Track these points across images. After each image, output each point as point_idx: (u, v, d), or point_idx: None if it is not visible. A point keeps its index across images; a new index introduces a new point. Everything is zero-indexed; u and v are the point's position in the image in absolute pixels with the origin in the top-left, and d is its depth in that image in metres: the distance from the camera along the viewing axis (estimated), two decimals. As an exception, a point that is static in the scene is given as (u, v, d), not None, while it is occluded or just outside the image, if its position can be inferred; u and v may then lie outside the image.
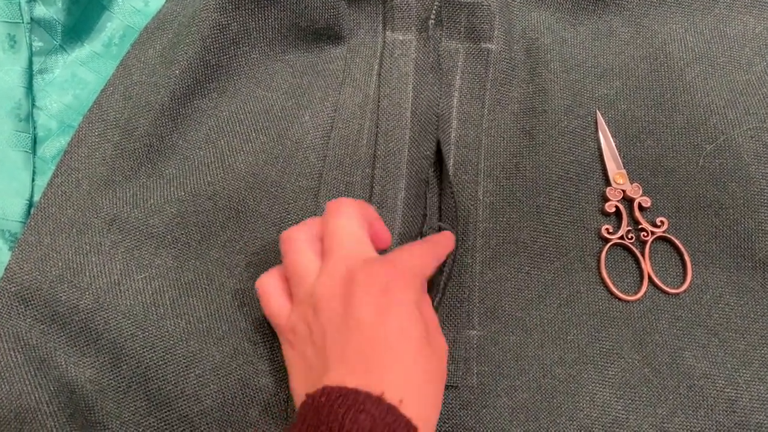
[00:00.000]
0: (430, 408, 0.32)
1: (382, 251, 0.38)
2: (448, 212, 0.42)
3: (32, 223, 0.40)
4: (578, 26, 0.48)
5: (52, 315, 0.38)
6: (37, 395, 0.36)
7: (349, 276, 0.33)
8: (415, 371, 0.31)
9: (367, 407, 0.28)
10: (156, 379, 0.38)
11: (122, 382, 0.38)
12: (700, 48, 0.47)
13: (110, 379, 0.38)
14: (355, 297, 0.32)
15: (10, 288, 0.39)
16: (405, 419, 0.28)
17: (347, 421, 0.27)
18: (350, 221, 0.36)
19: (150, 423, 0.37)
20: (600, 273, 0.41)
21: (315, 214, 0.42)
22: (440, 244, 0.38)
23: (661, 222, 0.42)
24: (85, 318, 0.38)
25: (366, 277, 0.32)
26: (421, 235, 0.42)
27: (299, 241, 0.36)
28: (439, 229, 0.42)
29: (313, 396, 0.29)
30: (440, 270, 0.39)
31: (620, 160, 0.44)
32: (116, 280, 0.40)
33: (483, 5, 0.47)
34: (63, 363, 0.38)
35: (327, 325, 0.32)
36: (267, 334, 0.39)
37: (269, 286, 0.36)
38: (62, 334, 0.38)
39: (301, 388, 0.33)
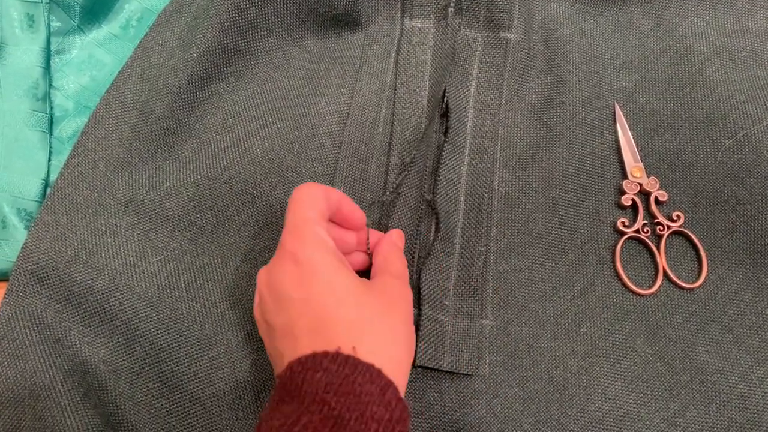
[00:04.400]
0: (388, 344, 0.32)
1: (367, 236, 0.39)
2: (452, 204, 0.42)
3: (48, 203, 0.41)
4: (598, 17, 0.48)
5: (67, 295, 0.39)
6: (51, 374, 0.36)
7: (269, 265, 0.34)
8: (360, 316, 0.31)
9: (324, 365, 0.28)
10: (169, 361, 0.38)
11: (135, 364, 0.38)
12: (721, 42, 0.47)
13: (123, 360, 0.38)
14: (273, 279, 0.33)
15: (26, 266, 0.39)
16: (364, 365, 0.29)
17: (305, 383, 0.28)
18: (295, 215, 0.34)
19: (162, 405, 0.37)
20: (615, 266, 0.41)
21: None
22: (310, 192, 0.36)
23: (678, 216, 0.42)
24: (100, 298, 0.38)
25: (276, 259, 0.33)
26: (438, 224, 0.41)
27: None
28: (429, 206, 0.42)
29: (280, 376, 0.30)
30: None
31: (638, 154, 0.44)
32: (131, 262, 0.40)
33: (503, -6, 0.46)
34: (77, 343, 0.38)
35: (268, 315, 0.33)
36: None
37: (258, 279, 0.36)
38: (77, 314, 0.38)
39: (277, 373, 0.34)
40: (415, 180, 0.42)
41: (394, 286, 0.35)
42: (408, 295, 0.36)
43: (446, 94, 0.44)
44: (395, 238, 0.39)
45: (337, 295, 0.32)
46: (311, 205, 0.34)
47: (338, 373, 0.28)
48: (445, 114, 0.44)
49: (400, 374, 0.31)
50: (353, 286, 0.33)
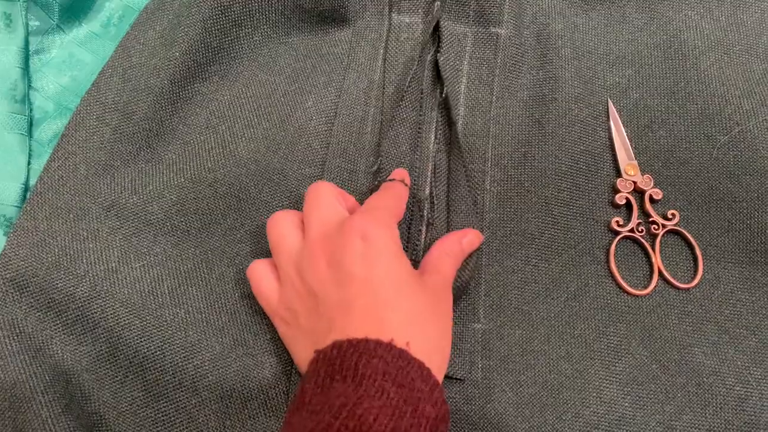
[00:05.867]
0: (435, 347, 0.32)
1: None
2: (456, 201, 0.41)
3: (28, 208, 0.39)
4: (590, 12, 0.47)
5: (48, 302, 0.37)
6: (32, 384, 0.35)
7: (326, 238, 0.34)
8: (414, 311, 0.32)
9: (379, 352, 0.28)
10: (154, 370, 0.37)
11: (119, 372, 0.37)
12: (716, 36, 0.46)
13: (107, 369, 0.37)
14: (338, 253, 0.32)
15: (6, 274, 0.38)
16: (417, 361, 0.29)
17: (361, 366, 0.28)
18: (327, 194, 0.36)
19: (147, 414, 0.36)
20: (609, 266, 0.40)
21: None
22: (396, 188, 0.39)
23: (673, 215, 0.41)
24: (82, 306, 0.37)
25: (343, 233, 0.33)
26: (428, 224, 0.40)
27: (282, 219, 0.37)
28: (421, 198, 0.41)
29: (323, 351, 0.30)
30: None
31: (632, 151, 0.43)
32: (114, 268, 0.39)
33: (493, -12, 0.45)
34: (59, 352, 0.37)
35: (317, 288, 0.33)
36: (268, 325, 0.38)
37: (259, 270, 0.37)
38: (58, 322, 0.37)
39: (306, 357, 0.33)
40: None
41: (444, 288, 0.35)
42: (451, 300, 0.36)
43: (446, 90, 0.43)
44: (454, 242, 0.38)
45: (397, 282, 0.32)
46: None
47: (394, 364, 0.28)
48: (444, 109, 0.44)
49: (440, 375, 0.32)
50: (411, 278, 0.33)
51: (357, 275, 0.32)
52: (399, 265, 0.33)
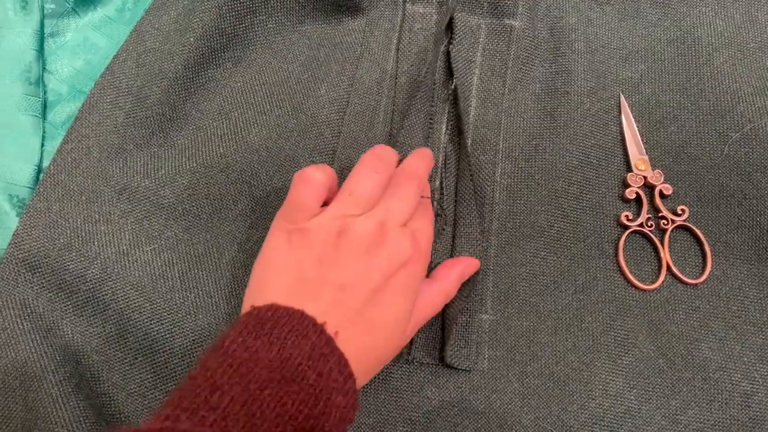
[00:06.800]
0: (361, 379, 0.32)
1: None
2: (465, 193, 0.41)
3: (41, 189, 0.40)
4: (605, 6, 0.47)
5: (59, 283, 0.38)
6: (42, 363, 0.36)
7: (384, 228, 0.33)
8: (376, 348, 0.32)
9: (309, 333, 0.29)
10: (163, 353, 0.37)
11: (129, 354, 0.37)
12: (729, 33, 0.46)
13: (116, 351, 0.37)
14: (379, 254, 0.33)
15: (18, 254, 0.38)
16: (338, 351, 0.30)
17: (289, 344, 0.28)
18: (417, 191, 0.37)
19: (156, 396, 0.37)
20: (617, 260, 0.40)
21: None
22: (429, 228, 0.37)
23: (682, 210, 0.41)
24: (93, 288, 0.38)
25: (395, 240, 0.33)
26: (437, 215, 0.41)
27: (381, 174, 0.35)
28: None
29: (259, 309, 0.30)
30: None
31: (643, 146, 0.43)
32: (125, 251, 0.39)
33: (507, -20, 0.45)
34: (69, 332, 0.37)
35: (343, 258, 0.32)
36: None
37: (316, 179, 0.35)
38: (69, 303, 0.38)
39: (275, 287, 0.33)
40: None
41: (415, 329, 0.36)
42: (434, 312, 0.36)
43: (455, 81, 0.43)
44: (453, 276, 0.38)
45: (390, 321, 0.33)
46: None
47: (319, 350, 0.29)
48: (453, 101, 0.44)
49: (359, 380, 0.32)
50: (402, 323, 0.34)
51: (373, 280, 0.32)
52: (405, 308, 0.33)
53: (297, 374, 0.28)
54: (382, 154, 0.36)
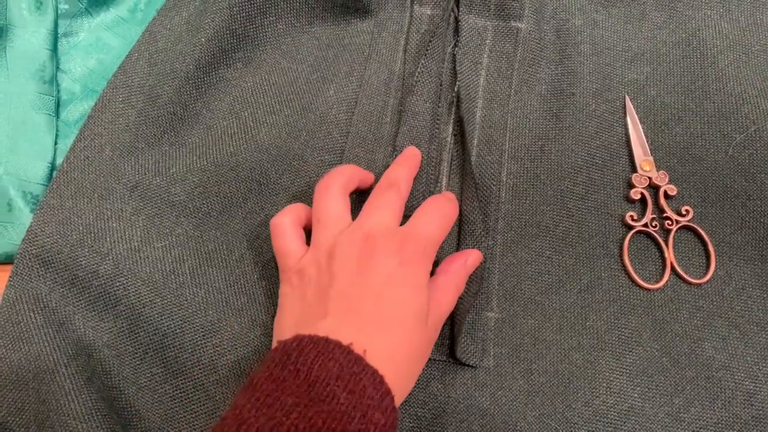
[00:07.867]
0: (404, 382, 0.33)
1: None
2: (468, 194, 0.42)
3: (54, 186, 0.40)
4: (610, 8, 0.47)
5: (72, 279, 0.38)
6: (55, 357, 0.36)
7: (370, 237, 0.34)
8: (401, 345, 0.32)
9: (336, 355, 0.29)
10: (173, 347, 0.38)
11: (139, 349, 0.38)
12: (734, 35, 0.46)
13: (127, 345, 0.38)
14: (372, 259, 0.33)
15: (32, 250, 0.39)
16: (371, 369, 0.30)
17: (316, 367, 0.29)
18: (400, 192, 0.38)
19: (166, 390, 0.37)
20: (622, 260, 0.41)
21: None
22: (446, 209, 0.38)
23: (687, 211, 0.41)
24: (105, 283, 0.38)
25: (386, 243, 0.34)
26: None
27: (334, 189, 0.37)
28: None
29: (285, 342, 0.30)
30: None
31: (647, 147, 0.43)
32: (136, 247, 0.40)
33: (514, -17, 0.46)
34: (81, 327, 0.38)
35: (338, 274, 0.33)
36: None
37: (285, 226, 0.37)
38: (81, 298, 0.38)
39: (288, 326, 0.34)
40: (422, 170, 0.42)
41: (439, 323, 0.36)
42: (438, 332, 0.36)
43: (458, 83, 0.44)
44: (459, 267, 0.38)
45: (405, 315, 0.33)
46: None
47: (348, 370, 0.29)
48: (456, 103, 0.44)
49: (399, 392, 0.32)
50: (419, 314, 0.34)
51: (374, 286, 0.33)
52: (416, 301, 0.33)
53: (326, 395, 0.28)
54: (332, 171, 0.38)
